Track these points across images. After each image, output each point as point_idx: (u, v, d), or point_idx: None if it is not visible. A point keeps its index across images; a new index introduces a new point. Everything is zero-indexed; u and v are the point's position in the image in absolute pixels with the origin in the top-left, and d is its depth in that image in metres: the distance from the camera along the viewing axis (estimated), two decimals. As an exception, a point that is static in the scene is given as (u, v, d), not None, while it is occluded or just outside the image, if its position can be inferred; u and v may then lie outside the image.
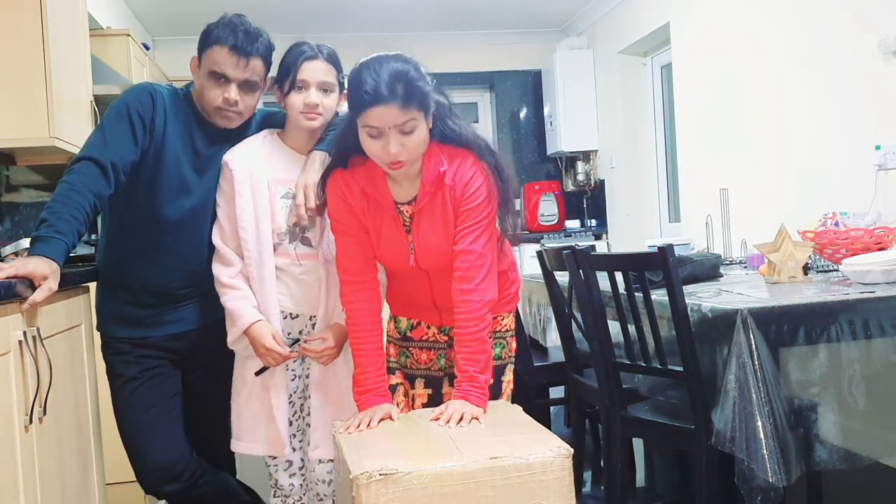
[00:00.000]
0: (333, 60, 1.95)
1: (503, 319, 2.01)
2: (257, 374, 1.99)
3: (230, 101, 1.92)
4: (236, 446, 2.05)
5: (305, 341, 1.98)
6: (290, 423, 2.05)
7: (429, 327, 2.02)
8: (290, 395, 2.05)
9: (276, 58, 1.98)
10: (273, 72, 1.98)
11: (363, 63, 1.70)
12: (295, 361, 2.03)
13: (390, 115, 1.66)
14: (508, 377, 2.01)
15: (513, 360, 2.03)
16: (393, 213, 1.85)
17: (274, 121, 2.08)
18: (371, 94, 1.65)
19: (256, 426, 2.01)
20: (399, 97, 1.65)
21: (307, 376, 2.03)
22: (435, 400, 2.00)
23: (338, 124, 1.99)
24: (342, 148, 1.83)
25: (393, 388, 2.00)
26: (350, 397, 1.91)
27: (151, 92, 1.94)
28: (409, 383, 2.04)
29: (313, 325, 2.01)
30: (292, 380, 2.04)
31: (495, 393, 1.95)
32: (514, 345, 2.04)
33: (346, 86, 1.96)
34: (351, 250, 1.87)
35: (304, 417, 2.06)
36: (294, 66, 1.90)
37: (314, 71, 1.91)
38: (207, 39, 1.91)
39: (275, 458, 2.06)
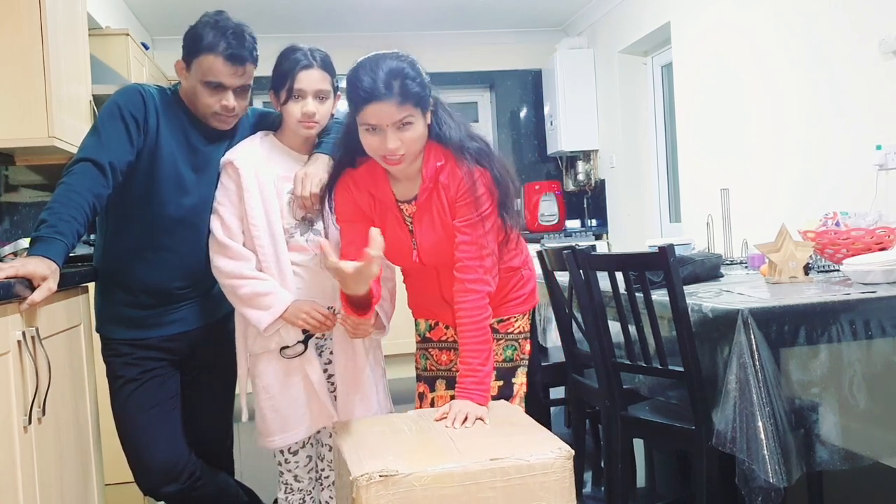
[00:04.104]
0: (327, 66, 1.96)
1: (516, 321, 2.00)
2: (286, 348, 1.96)
3: (228, 109, 1.93)
4: (281, 440, 2.00)
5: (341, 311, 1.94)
6: None
7: (447, 328, 2.02)
8: None
9: (263, 54, 1.96)
10: (263, 71, 1.98)
11: (360, 62, 1.72)
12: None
13: (387, 111, 1.68)
14: (521, 380, 1.99)
15: (525, 362, 2.02)
16: (395, 211, 1.86)
17: (268, 121, 2.09)
18: (368, 92, 1.67)
19: (297, 410, 1.99)
20: (395, 94, 1.67)
21: (325, 370, 2.03)
22: None
23: (333, 126, 2.01)
24: (348, 147, 1.85)
25: (421, 396, 2.02)
26: (372, 388, 1.99)
27: (141, 92, 1.94)
28: (429, 386, 2.03)
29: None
30: None
31: (506, 395, 1.95)
32: (527, 347, 2.02)
33: (340, 89, 1.99)
34: (358, 238, 1.86)
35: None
36: (291, 76, 1.91)
37: (310, 80, 1.92)
38: (197, 46, 1.89)
39: (295, 454, 2.05)
